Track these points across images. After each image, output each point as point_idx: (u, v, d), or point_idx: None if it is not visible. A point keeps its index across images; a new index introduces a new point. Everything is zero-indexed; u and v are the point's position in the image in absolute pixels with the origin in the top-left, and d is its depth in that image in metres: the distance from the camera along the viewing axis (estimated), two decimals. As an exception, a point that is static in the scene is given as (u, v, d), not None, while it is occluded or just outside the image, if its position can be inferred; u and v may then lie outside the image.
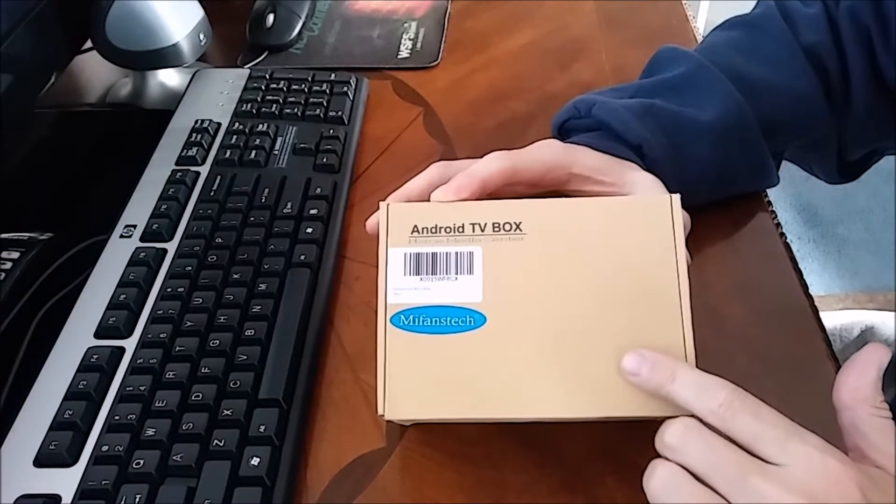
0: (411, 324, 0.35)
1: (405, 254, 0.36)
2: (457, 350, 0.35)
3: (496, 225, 0.37)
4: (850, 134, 0.52)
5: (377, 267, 0.37)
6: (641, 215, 0.36)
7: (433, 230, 0.37)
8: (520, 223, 0.36)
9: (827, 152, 0.53)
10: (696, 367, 0.34)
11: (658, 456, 0.32)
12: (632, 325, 0.35)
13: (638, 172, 0.44)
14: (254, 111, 0.61)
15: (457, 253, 0.36)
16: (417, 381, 0.35)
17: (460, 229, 0.37)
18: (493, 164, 0.40)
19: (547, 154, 0.43)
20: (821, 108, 0.49)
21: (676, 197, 0.37)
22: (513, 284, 0.36)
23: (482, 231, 0.36)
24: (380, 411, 0.35)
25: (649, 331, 0.35)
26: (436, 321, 0.35)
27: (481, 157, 0.41)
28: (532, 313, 0.35)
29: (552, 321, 0.35)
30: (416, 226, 0.37)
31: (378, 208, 0.38)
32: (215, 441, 0.39)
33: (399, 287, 0.36)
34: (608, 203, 0.38)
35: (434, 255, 0.36)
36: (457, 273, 0.36)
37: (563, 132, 0.50)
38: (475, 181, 0.39)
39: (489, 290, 0.36)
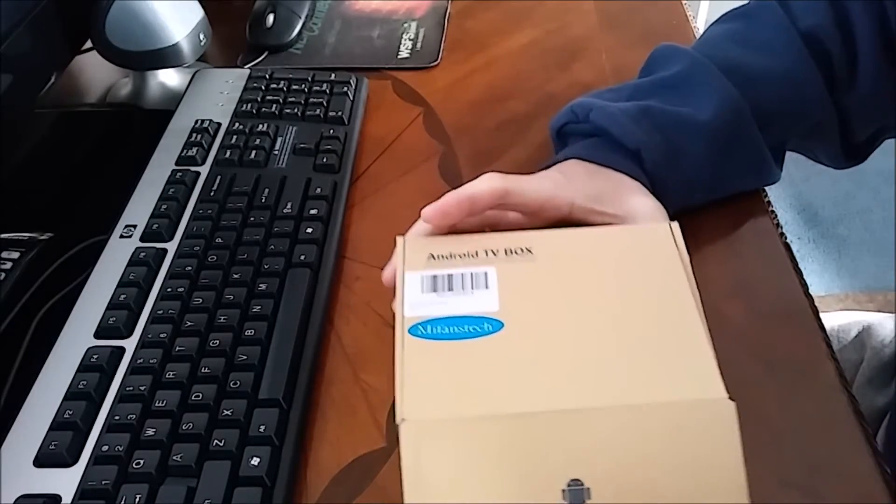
0: (429, 332, 0.36)
1: (422, 276, 0.37)
2: (475, 354, 0.35)
3: (508, 250, 0.38)
4: (856, 113, 0.51)
5: (393, 291, 0.37)
6: (645, 244, 0.37)
7: (448, 256, 0.38)
8: (530, 248, 0.38)
9: (830, 137, 0.53)
10: None
11: None
12: (651, 345, 0.34)
13: (638, 199, 0.44)
14: (254, 111, 0.61)
15: (472, 273, 0.37)
16: (436, 385, 0.35)
17: (474, 255, 0.38)
18: (484, 183, 0.40)
19: (546, 185, 0.42)
20: (818, 92, 0.49)
21: (675, 225, 0.38)
22: (529, 296, 0.36)
23: (495, 255, 0.38)
24: (398, 416, 0.35)
25: (670, 352, 0.34)
26: (453, 329, 0.36)
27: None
28: (549, 322, 0.36)
29: (569, 332, 0.35)
30: (431, 254, 0.38)
31: (394, 244, 0.38)
32: (215, 441, 0.39)
33: (416, 303, 0.36)
34: (612, 233, 0.40)
35: (450, 275, 0.37)
36: (473, 288, 0.37)
37: (561, 136, 0.50)
38: (462, 197, 0.39)
39: (505, 300, 0.36)
